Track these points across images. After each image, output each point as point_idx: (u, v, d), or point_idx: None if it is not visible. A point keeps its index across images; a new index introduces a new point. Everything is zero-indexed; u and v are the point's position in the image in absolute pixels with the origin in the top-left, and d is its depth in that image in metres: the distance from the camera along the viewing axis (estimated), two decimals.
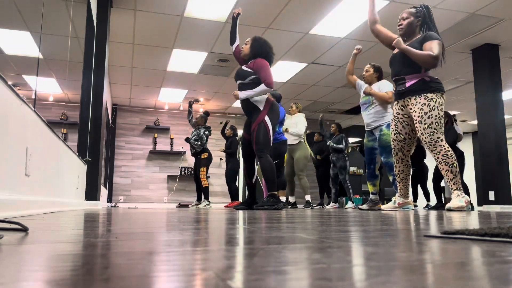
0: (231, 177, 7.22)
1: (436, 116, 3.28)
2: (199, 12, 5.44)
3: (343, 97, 9.49)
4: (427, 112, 3.28)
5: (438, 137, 3.26)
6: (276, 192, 3.84)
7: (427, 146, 3.31)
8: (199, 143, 7.02)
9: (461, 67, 7.36)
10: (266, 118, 3.85)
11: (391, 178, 4.47)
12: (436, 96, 3.30)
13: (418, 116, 3.32)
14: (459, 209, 3.14)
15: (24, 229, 0.94)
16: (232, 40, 4.21)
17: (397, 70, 3.44)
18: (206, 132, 7.10)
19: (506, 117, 10.47)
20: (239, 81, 3.96)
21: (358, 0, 5.12)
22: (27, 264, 0.49)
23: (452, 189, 3.26)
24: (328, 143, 7.41)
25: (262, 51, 3.97)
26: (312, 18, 5.62)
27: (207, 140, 7.10)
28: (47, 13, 2.82)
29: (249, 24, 5.78)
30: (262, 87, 3.83)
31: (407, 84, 3.38)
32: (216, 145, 10.74)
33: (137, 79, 8.34)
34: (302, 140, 6.48)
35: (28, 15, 2.80)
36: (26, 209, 1.99)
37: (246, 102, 3.93)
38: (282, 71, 7.72)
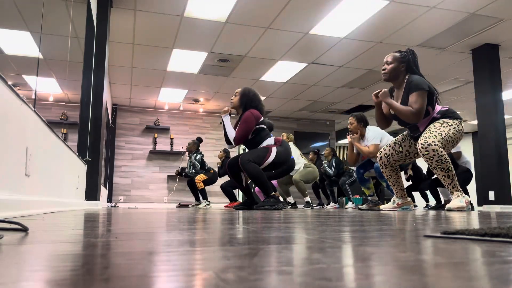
0: (226, 183, 7.21)
1: (443, 132, 3.14)
2: (199, 12, 5.44)
3: (343, 97, 9.49)
4: (436, 125, 3.19)
5: (433, 141, 3.08)
6: (274, 193, 3.82)
7: (419, 149, 3.14)
8: (193, 171, 7.01)
9: (461, 67, 7.36)
10: (274, 148, 3.82)
11: (385, 185, 4.54)
12: (452, 121, 3.21)
13: (426, 128, 3.24)
14: (459, 209, 3.14)
15: (24, 229, 0.94)
16: (228, 142, 4.10)
17: (406, 123, 3.39)
18: (198, 157, 7.05)
19: (506, 117, 10.45)
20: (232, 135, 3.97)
21: (358, 0, 5.12)
22: (27, 264, 0.49)
23: (451, 192, 3.23)
24: (324, 164, 7.38)
25: (251, 105, 3.94)
26: (312, 18, 5.62)
27: (202, 164, 7.05)
28: (47, 13, 2.82)
29: (249, 24, 5.78)
30: (232, 134, 3.88)
31: (421, 129, 3.34)
32: (216, 145, 10.74)
33: (137, 79, 8.33)
34: (300, 167, 6.45)
35: (28, 15, 2.80)
36: (26, 209, 1.99)
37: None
38: (282, 71, 7.72)
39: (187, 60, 7.22)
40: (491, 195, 6.26)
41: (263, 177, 3.74)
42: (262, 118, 3.96)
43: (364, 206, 4.59)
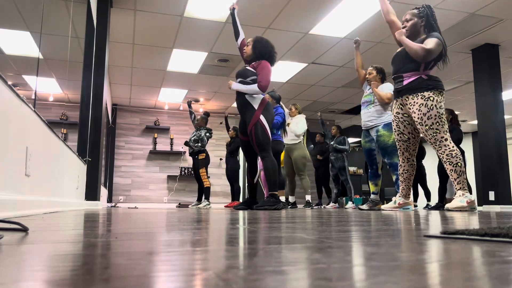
0: (233, 176, 7.23)
1: (435, 115, 3.24)
2: (199, 12, 5.44)
3: (343, 97, 9.49)
4: (425, 113, 3.25)
5: (442, 137, 3.23)
6: (276, 192, 3.83)
7: (432, 146, 3.31)
8: (199, 144, 7.02)
9: (461, 67, 7.36)
10: (262, 117, 3.83)
11: (394, 178, 4.46)
12: (433, 94, 3.26)
13: (418, 118, 3.30)
14: (458, 209, 3.14)
15: (24, 229, 0.94)
16: (236, 34, 4.20)
17: (396, 68, 3.45)
18: (207, 134, 7.10)
19: (506, 117, 10.46)
20: (239, 79, 3.96)
21: (358, 0, 5.12)
22: (27, 264, 0.49)
23: (456, 188, 3.26)
24: (331, 143, 7.40)
25: (265, 51, 3.98)
26: (312, 18, 5.62)
27: (207, 142, 7.11)
28: (47, 13, 2.82)
29: (249, 24, 5.78)
30: (254, 87, 3.83)
31: (405, 82, 3.37)
32: (216, 145, 10.74)
33: (137, 79, 8.33)
34: (301, 141, 6.47)
35: (28, 15, 2.80)
36: (26, 209, 1.99)
37: (240, 101, 3.92)
38: (282, 71, 7.72)
39: (187, 60, 7.22)
40: (491, 195, 6.26)
41: (277, 174, 3.84)
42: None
43: (364, 206, 4.57)
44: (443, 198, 6.58)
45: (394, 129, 3.61)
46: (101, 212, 2.73)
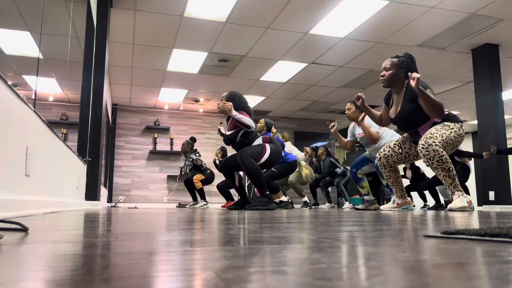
0: (223, 183, 7.23)
1: (444, 134, 3.11)
2: (199, 12, 5.44)
3: (343, 97, 9.49)
4: (437, 128, 3.17)
5: (434, 142, 3.05)
6: (268, 192, 3.83)
7: (420, 149, 3.11)
8: (190, 171, 7.08)
9: (461, 67, 7.35)
10: (268, 145, 3.92)
11: (384, 183, 4.70)
12: (453, 124, 3.19)
13: (427, 130, 3.22)
14: (461, 209, 3.13)
15: (24, 229, 0.94)
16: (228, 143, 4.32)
17: (407, 128, 3.38)
18: (198, 155, 7.16)
19: (506, 117, 10.46)
20: (231, 145, 4.08)
21: (358, 0, 5.12)
22: (27, 264, 0.49)
23: (452, 192, 3.21)
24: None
25: (240, 108, 4.06)
26: (312, 18, 5.61)
27: (197, 165, 7.14)
28: (47, 13, 2.82)
29: (249, 24, 5.78)
30: (248, 120, 3.95)
31: (422, 134, 3.32)
32: (216, 145, 10.73)
33: (137, 79, 8.33)
34: (302, 163, 6.59)
35: (28, 15, 2.80)
36: (26, 209, 1.99)
37: (240, 147, 4.01)
38: (282, 71, 7.72)
39: (187, 60, 7.22)
40: (491, 195, 6.26)
41: (260, 174, 3.81)
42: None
43: (360, 206, 4.64)
44: (438, 199, 6.59)
45: (397, 140, 3.60)
46: (101, 212, 2.73)
